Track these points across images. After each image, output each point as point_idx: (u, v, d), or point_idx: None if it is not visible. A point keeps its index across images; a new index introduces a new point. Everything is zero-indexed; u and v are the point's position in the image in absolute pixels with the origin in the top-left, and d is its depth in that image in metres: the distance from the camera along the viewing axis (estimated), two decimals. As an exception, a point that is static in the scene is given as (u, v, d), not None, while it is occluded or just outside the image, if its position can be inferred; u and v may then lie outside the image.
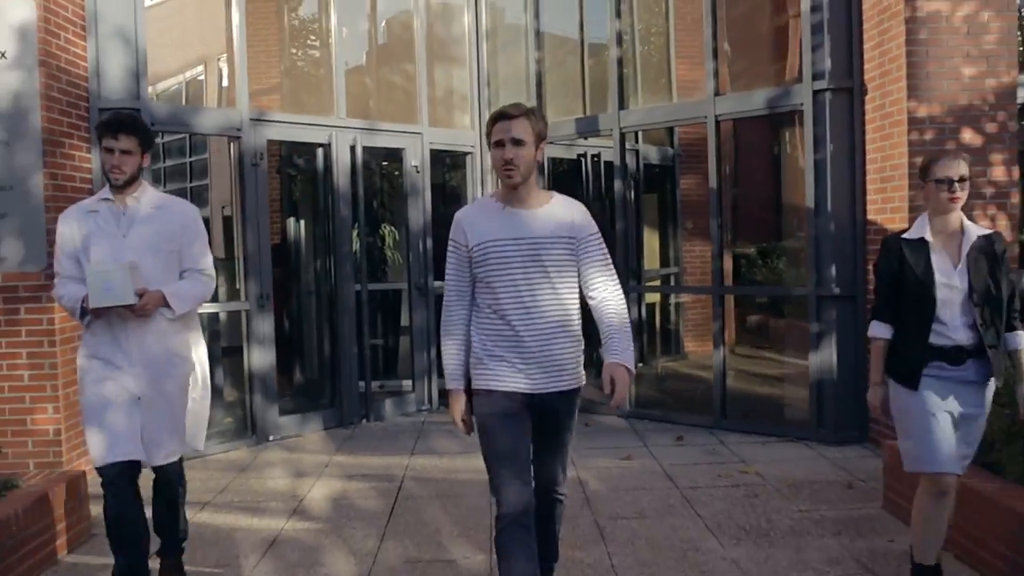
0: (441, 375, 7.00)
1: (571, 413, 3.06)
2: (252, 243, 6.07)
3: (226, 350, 6.70)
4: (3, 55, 4.90)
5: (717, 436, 6.04)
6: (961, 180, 3.09)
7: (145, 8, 5.61)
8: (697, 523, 4.24)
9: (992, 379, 3.13)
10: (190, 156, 10.21)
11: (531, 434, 2.96)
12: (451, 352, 3.01)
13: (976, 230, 3.17)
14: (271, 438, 6.17)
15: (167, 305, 3.37)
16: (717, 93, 6.22)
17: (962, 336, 3.08)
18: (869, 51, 5.47)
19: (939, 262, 3.13)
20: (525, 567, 2.82)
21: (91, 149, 5.39)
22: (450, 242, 3.02)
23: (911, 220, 5.02)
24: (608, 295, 2.93)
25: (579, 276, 2.95)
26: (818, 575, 3.57)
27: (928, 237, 3.17)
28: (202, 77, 8.75)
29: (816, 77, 5.67)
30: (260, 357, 6.10)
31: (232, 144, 6.20)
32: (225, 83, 7.62)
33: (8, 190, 4.92)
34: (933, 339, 3.10)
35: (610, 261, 2.99)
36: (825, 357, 5.72)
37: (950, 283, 3.10)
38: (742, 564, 3.71)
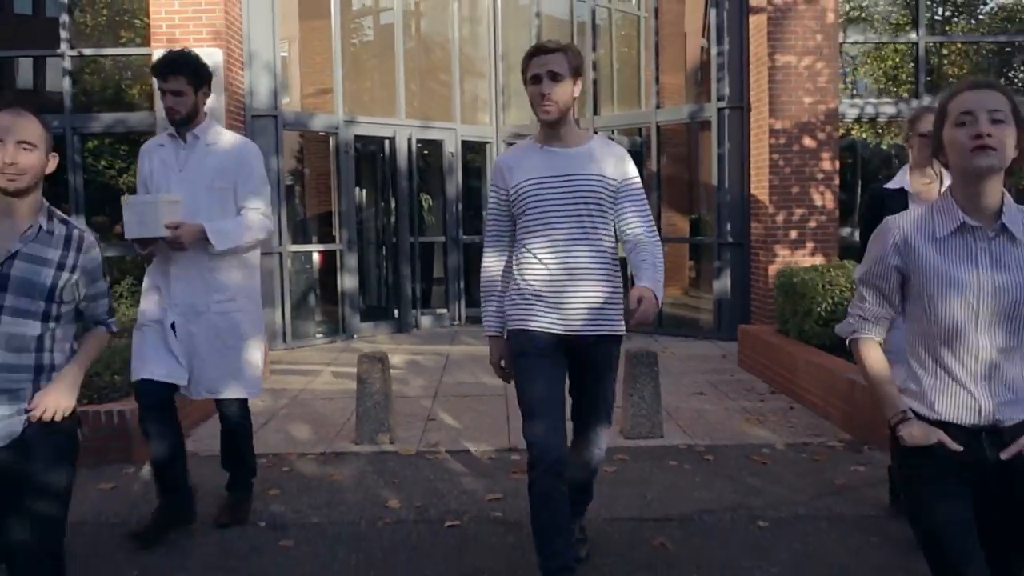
0: (469, 304, 9.92)
1: (609, 364, 2.89)
2: (344, 204, 9.04)
3: (326, 276, 9.67)
4: (201, 84, 7.81)
5: (654, 337, 9.03)
6: None
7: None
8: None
9: None
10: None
11: (564, 380, 2.85)
12: (489, 300, 2.94)
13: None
14: (355, 336, 9.17)
15: (207, 240, 3.29)
16: (658, 106, 9.14)
17: None
18: (752, 84, 8.35)
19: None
20: (556, 518, 2.69)
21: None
22: (491, 188, 2.94)
23: (771, 195, 7.99)
24: (643, 236, 2.80)
25: (616, 218, 2.83)
26: (684, 386, 6.54)
27: (908, 187, 3.30)
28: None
29: (720, 99, 8.56)
30: (348, 281, 9.10)
31: (331, 138, 9.14)
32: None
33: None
34: None
35: (647, 205, 2.88)
36: (722, 284, 8.68)
37: None
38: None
